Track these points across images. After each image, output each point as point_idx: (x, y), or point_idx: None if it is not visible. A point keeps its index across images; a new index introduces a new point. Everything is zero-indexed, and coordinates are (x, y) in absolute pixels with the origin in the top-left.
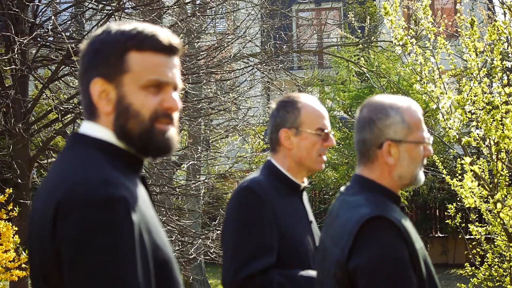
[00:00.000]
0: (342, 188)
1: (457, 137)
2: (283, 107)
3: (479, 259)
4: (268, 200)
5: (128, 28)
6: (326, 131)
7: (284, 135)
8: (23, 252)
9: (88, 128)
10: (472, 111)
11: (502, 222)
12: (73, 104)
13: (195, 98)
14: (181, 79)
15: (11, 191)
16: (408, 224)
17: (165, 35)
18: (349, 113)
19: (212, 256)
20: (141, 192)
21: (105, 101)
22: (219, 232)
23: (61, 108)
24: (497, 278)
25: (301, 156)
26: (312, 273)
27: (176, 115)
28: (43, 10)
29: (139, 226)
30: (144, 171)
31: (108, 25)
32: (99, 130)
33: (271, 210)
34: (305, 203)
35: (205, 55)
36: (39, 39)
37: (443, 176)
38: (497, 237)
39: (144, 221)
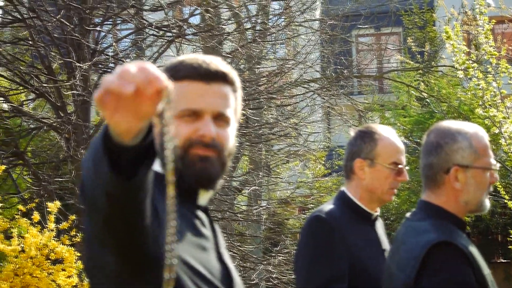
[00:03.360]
0: (408, 214)
1: None
2: (360, 136)
3: None
4: (338, 229)
5: (175, 60)
6: (400, 166)
7: (358, 165)
8: (85, 278)
9: None
10: None
11: None
12: None
13: (256, 124)
14: (241, 104)
15: (74, 217)
16: (474, 250)
17: (204, 62)
18: (410, 138)
19: (274, 282)
20: (187, 221)
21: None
22: (281, 257)
23: None
24: None
25: (372, 187)
26: None
27: (218, 144)
28: (104, 37)
29: None
30: None
31: None
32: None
33: (341, 239)
34: (378, 231)
35: (265, 80)
36: (100, 65)
37: (505, 201)
38: None
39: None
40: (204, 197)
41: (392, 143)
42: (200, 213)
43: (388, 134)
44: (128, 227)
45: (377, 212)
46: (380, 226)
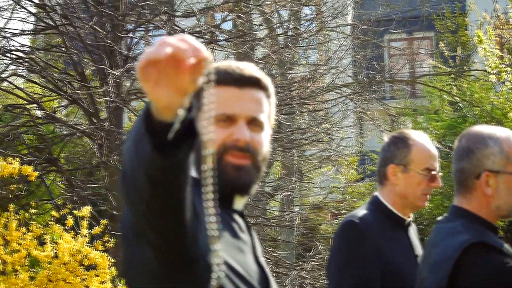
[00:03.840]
0: (439, 218)
1: None
2: (394, 142)
3: None
4: (371, 234)
5: None
6: (433, 172)
7: (392, 170)
8: (119, 283)
9: None
10: None
11: None
12: None
13: (288, 129)
14: (274, 110)
15: (106, 222)
16: (510, 250)
17: (238, 68)
18: (442, 142)
19: None
20: (225, 223)
21: None
22: (314, 263)
23: None
24: None
25: (405, 192)
26: None
27: (252, 148)
28: (136, 43)
29: None
30: None
31: None
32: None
33: (374, 244)
34: (411, 237)
35: (297, 86)
36: (132, 71)
37: None
38: None
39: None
40: (239, 202)
41: (426, 149)
42: (237, 217)
43: (422, 140)
44: (168, 216)
45: (410, 217)
46: (413, 232)
